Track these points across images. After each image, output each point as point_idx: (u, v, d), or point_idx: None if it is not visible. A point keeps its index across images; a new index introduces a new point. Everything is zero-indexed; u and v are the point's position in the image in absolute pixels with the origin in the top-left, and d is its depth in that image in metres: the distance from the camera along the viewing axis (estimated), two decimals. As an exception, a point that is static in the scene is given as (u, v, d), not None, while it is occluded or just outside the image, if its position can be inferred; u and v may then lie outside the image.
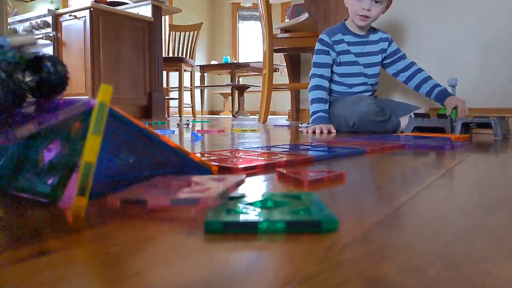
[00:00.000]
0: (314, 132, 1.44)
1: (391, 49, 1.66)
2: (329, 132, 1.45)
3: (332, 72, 1.65)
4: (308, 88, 1.63)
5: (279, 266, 0.20)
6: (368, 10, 1.54)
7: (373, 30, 1.68)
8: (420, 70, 1.62)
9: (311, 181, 0.43)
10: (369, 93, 1.68)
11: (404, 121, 1.49)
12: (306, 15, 2.29)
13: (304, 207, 0.28)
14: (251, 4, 5.91)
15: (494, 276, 0.19)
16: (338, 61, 1.64)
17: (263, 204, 0.31)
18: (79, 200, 0.26)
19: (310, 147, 0.79)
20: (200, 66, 4.59)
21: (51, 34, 2.98)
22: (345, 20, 1.67)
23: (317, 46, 1.65)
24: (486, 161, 0.68)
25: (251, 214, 0.27)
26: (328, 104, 1.58)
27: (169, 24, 4.24)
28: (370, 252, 0.22)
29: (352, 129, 1.51)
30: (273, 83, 2.48)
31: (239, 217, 0.26)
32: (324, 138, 1.21)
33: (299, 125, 1.85)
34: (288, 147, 0.78)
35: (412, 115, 1.37)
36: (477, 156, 0.73)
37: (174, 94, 4.26)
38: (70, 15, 2.90)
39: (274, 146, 0.79)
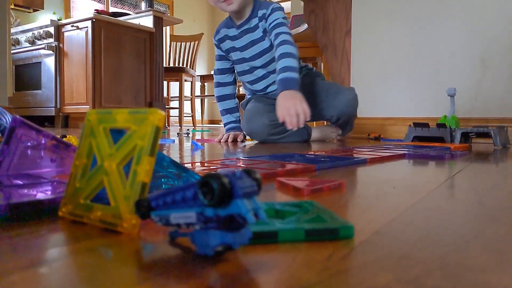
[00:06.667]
0: (226, 141, 1.41)
1: (268, 23, 1.35)
2: (237, 140, 1.43)
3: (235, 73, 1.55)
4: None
5: (278, 276, 0.20)
6: None
7: (254, 13, 1.39)
8: (279, 45, 1.27)
9: (311, 190, 0.43)
10: None
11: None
12: (305, 26, 2.30)
13: (316, 215, 0.29)
14: (252, 15, 5.95)
15: (493, 286, 0.19)
16: (232, 59, 1.51)
17: (274, 213, 0.30)
18: (134, 218, 0.26)
19: (311, 157, 0.79)
20: (201, 76, 4.61)
21: (53, 44, 3.01)
22: None
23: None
24: (486, 171, 0.68)
25: (268, 224, 0.26)
26: (237, 110, 1.53)
27: (170, 35, 4.27)
28: (370, 261, 0.22)
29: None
30: (273, 93, 2.49)
31: (258, 227, 0.25)
32: (325, 148, 1.21)
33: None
34: (288, 156, 0.78)
35: (412, 125, 1.38)
36: (477, 166, 0.73)
37: (174, 104, 4.28)
38: (72, 26, 2.93)
39: (274, 155, 0.79)
